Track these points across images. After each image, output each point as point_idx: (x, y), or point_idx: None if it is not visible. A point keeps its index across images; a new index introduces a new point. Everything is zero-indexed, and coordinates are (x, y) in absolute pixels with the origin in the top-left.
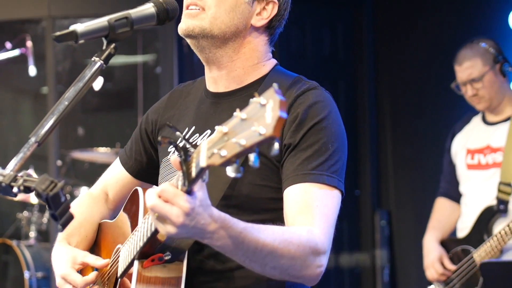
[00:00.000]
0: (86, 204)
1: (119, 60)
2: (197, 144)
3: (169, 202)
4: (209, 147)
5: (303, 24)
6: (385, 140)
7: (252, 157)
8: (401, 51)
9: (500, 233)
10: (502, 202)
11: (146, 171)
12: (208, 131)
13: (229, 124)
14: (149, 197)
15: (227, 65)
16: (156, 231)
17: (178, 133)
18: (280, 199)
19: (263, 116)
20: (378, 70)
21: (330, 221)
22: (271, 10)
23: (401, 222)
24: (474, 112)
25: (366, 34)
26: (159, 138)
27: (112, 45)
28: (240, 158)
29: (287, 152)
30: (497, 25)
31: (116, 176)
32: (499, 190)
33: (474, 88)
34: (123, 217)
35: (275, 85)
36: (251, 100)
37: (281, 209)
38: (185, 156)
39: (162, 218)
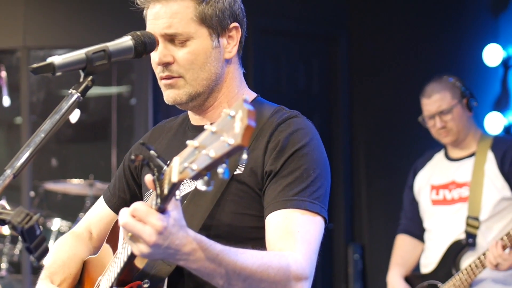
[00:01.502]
0: (70, 243)
1: (93, 91)
2: None
3: (141, 221)
4: (181, 162)
5: (278, 58)
6: (359, 174)
7: (221, 169)
8: (376, 86)
9: (470, 266)
10: (470, 236)
11: None
12: None
13: (200, 138)
14: (122, 215)
15: (214, 105)
16: (132, 255)
17: (152, 151)
18: (263, 228)
19: (232, 127)
20: (352, 104)
21: (313, 247)
22: (236, 34)
23: (374, 256)
24: (435, 149)
25: (341, 68)
26: (132, 157)
27: (90, 78)
28: (211, 170)
29: (269, 179)
30: (472, 61)
31: (100, 214)
32: (467, 224)
33: (442, 121)
34: (106, 248)
35: (244, 97)
36: (221, 113)
37: (263, 238)
38: (158, 174)
39: (135, 237)
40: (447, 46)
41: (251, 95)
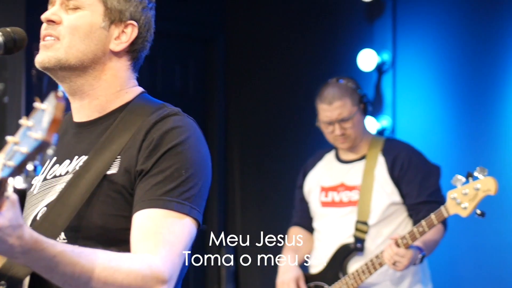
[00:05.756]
0: None
1: None
2: (56, 175)
3: None
4: (3, 159)
5: (154, 58)
6: (233, 176)
7: (31, 165)
8: (252, 88)
9: (357, 271)
10: (359, 240)
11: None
12: (67, 161)
13: (19, 133)
14: None
15: (89, 93)
16: None
17: None
18: None
19: (41, 121)
20: (228, 106)
21: (176, 249)
22: (131, 33)
23: (247, 257)
24: (326, 149)
25: (217, 70)
26: None
27: None
28: (26, 166)
29: (139, 178)
30: (346, 66)
31: None
32: (356, 229)
33: (342, 128)
34: None
35: (60, 90)
36: (35, 104)
37: None
38: None
39: None
40: (322, 50)
41: (135, 91)
